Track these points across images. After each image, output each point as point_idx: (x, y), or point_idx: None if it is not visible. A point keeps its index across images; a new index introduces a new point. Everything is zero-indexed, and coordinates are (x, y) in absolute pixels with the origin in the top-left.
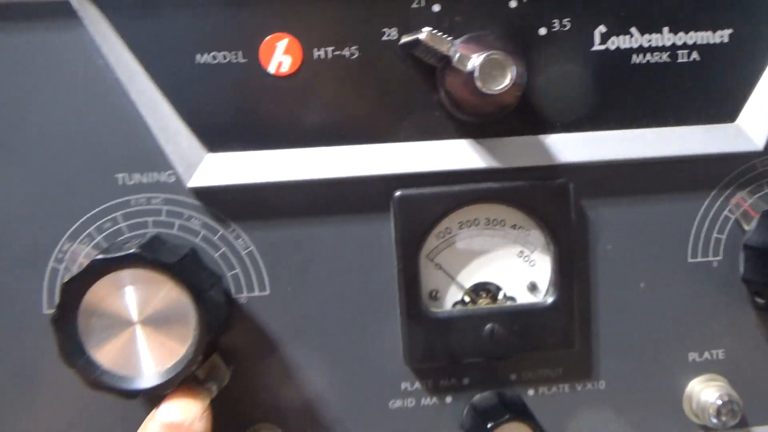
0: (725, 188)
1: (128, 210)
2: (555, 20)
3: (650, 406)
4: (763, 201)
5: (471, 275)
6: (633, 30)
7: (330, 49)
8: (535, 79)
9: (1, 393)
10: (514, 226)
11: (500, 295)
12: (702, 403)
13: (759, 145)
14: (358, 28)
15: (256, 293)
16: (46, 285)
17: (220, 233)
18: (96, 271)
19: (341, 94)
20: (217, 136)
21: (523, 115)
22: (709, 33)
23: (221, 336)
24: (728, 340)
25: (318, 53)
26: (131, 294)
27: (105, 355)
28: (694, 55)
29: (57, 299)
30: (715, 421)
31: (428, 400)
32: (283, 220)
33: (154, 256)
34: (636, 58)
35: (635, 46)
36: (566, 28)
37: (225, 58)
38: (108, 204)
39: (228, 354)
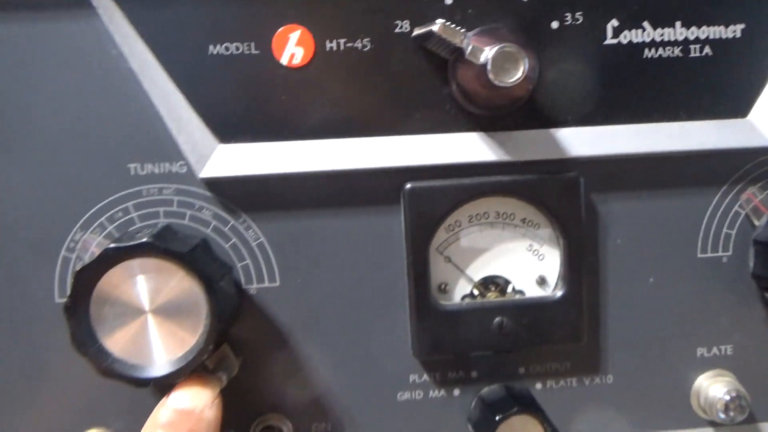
0: (736, 183)
1: (140, 200)
2: (567, 14)
3: (658, 401)
4: None
5: (480, 268)
6: (645, 24)
7: (342, 41)
8: (546, 72)
9: (14, 381)
10: (523, 220)
11: (509, 289)
12: (710, 399)
13: None
14: (371, 20)
15: (266, 284)
16: (58, 274)
17: (230, 224)
18: (108, 259)
19: (353, 86)
20: (229, 127)
21: (535, 109)
22: (722, 28)
23: (231, 326)
24: (737, 336)
25: (330, 45)
26: (143, 283)
27: (117, 343)
28: (707, 50)
29: (69, 288)
30: (723, 416)
31: (436, 393)
32: (293, 212)
33: (166, 245)
34: (648, 53)
35: (647, 40)
36: (578, 22)
37: (238, 49)
38: (120, 194)
39: (237, 345)
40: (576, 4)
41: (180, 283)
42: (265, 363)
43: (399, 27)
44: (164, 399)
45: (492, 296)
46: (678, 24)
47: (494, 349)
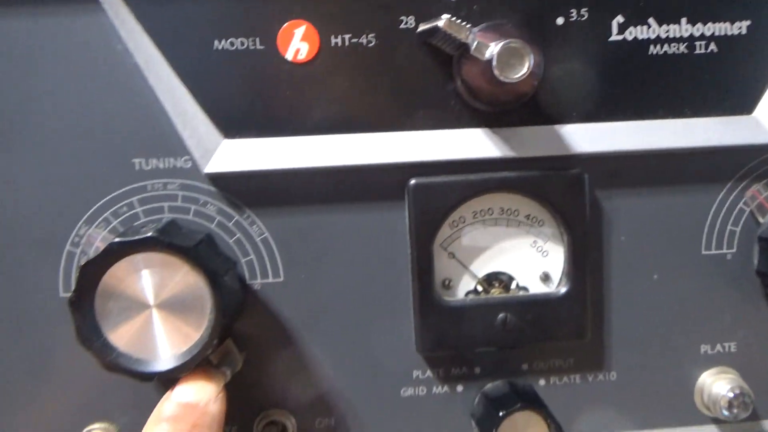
0: (740, 180)
1: (144, 195)
2: (572, 10)
3: (661, 398)
4: None
5: (484, 265)
6: (651, 20)
7: (347, 36)
8: (551, 68)
9: (19, 376)
10: (527, 216)
11: (513, 285)
12: (713, 396)
13: None
14: (376, 15)
15: (270, 280)
16: (63, 268)
17: (235, 219)
18: (113, 254)
19: (358, 81)
20: (233, 123)
21: (539, 105)
22: (727, 24)
23: (235, 321)
24: (741, 333)
25: (335, 40)
26: (148, 278)
27: (121, 337)
28: (712, 47)
29: (74, 282)
30: (726, 413)
31: (439, 389)
32: (298, 207)
33: (171, 239)
34: (653, 49)
35: (653, 36)
36: (584, 18)
37: (243, 44)
38: (124, 189)
39: (241, 340)
40: (581, 0)
41: (185, 278)
42: (268, 358)
43: (404, 23)
44: (168, 393)
45: (496, 292)
46: (683, 20)
47: (498, 345)
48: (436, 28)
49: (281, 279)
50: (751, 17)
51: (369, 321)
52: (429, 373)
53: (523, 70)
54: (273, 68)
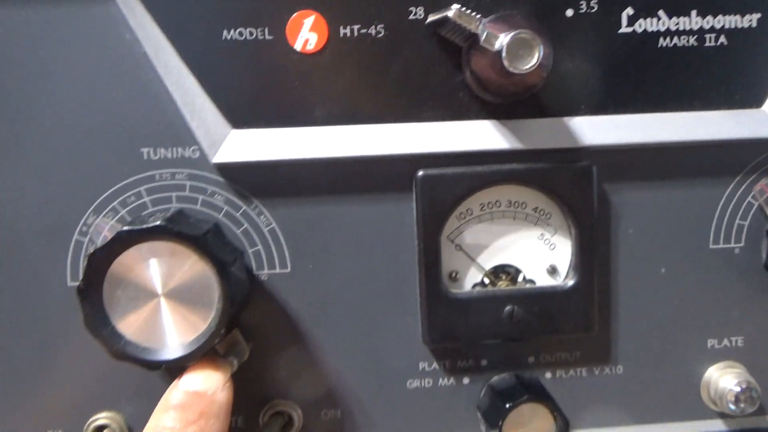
0: (749, 174)
1: (152, 185)
2: (582, 1)
3: (668, 392)
4: None
5: (491, 257)
6: (661, 13)
7: (356, 27)
8: (560, 60)
9: (26, 365)
10: (535, 209)
11: (520, 278)
12: (720, 390)
13: None
14: (385, 6)
15: (277, 270)
16: (70, 258)
17: (242, 210)
18: (122, 242)
19: (366, 72)
20: (242, 113)
21: (548, 97)
22: (738, 17)
23: (243, 311)
24: (748, 328)
25: (344, 31)
26: (155, 266)
27: (129, 326)
28: (722, 39)
29: (82, 271)
30: (733, 407)
31: (446, 381)
32: (305, 198)
33: (179, 228)
34: (663, 42)
35: (663, 29)
36: (593, 10)
37: (251, 34)
38: (132, 178)
39: (248, 330)
40: None
41: (192, 267)
42: (275, 349)
43: (413, 14)
44: (176, 381)
45: (503, 285)
46: (693, 13)
47: (504, 337)
48: (445, 19)
49: (288, 270)
50: (762, 10)
51: (376, 312)
52: (435, 365)
53: (533, 61)
54: (282, 59)
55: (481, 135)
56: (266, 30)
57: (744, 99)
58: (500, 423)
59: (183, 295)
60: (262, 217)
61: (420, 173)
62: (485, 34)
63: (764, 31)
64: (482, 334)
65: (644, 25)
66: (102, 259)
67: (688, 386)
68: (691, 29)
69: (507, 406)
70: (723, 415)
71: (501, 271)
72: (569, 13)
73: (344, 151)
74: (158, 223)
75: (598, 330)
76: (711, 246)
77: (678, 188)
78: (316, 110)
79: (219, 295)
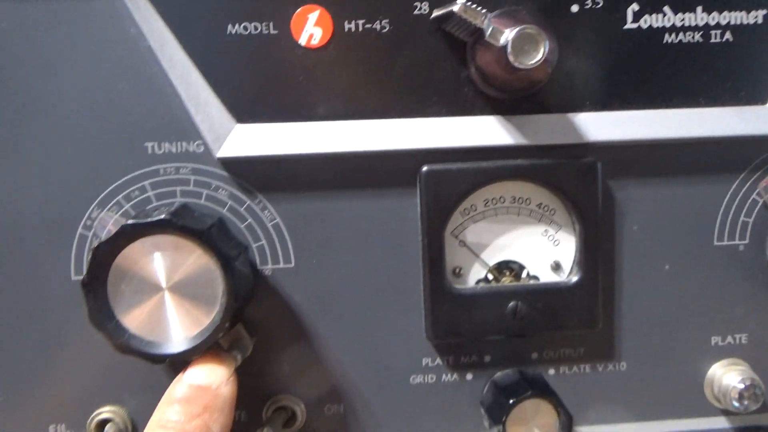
0: (754, 171)
1: (157, 179)
2: None
3: (671, 389)
4: None
5: (495, 253)
6: (666, 9)
7: (361, 22)
8: (565, 55)
9: (30, 359)
10: (539, 205)
11: (524, 274)
12: (724, 387)
13: None
14: (390, 1)
15: (281, 265)
16: (75, 251)
17: (246, 204)
18: (126, 236)
19: (371, 67)
20: (246, 107)
21: (553, 93)
22: (743, 13)
23: (246, 306)
24: (752, 325)
25: (349, 26)
26: (160, 260)
27: (133, 319)
28: (727, 36)
29: (86, 264)
30: (737, 404)
31: (449, 377)
32: (309, 193)
33: (183, 222)
34: (668, 38)
35: (668, 25)
36: (599, 6)
37: (256, 29)
38: (137, 172)
39: (252, 325)
40: None
41: (197, 261)
42: (278, 344)
43: (418, 8)
44: (180, 375)
45: (506, 281)
46: (699, 9)
47: (508, 333)
48: (450, 14)
49: (292, 265)
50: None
51: (379, 308)
52: (439, 360)
53: (538, 56)
54: (286, 53)
55: (486, 130)
56: (271, 24)
57: (749, 96)
58: (504, 419)
59: (187, 289)
60: (266, 211)
61: (424, 168)
62: (490, 29)
63: None
64: (486, 330)
65: (649, 21)
66: (106, 252)
67: (692, 383)
68: (696, 25)
69: (510, 402)
70: (727, 413)
71: (505, 267)
72: (575, 8)
73: (349, 146)
74: (163, 216)
75: (601, 326)
76: (715, 243)
77: (682, 185)
78: (321, 105)
79: (223, 289)
